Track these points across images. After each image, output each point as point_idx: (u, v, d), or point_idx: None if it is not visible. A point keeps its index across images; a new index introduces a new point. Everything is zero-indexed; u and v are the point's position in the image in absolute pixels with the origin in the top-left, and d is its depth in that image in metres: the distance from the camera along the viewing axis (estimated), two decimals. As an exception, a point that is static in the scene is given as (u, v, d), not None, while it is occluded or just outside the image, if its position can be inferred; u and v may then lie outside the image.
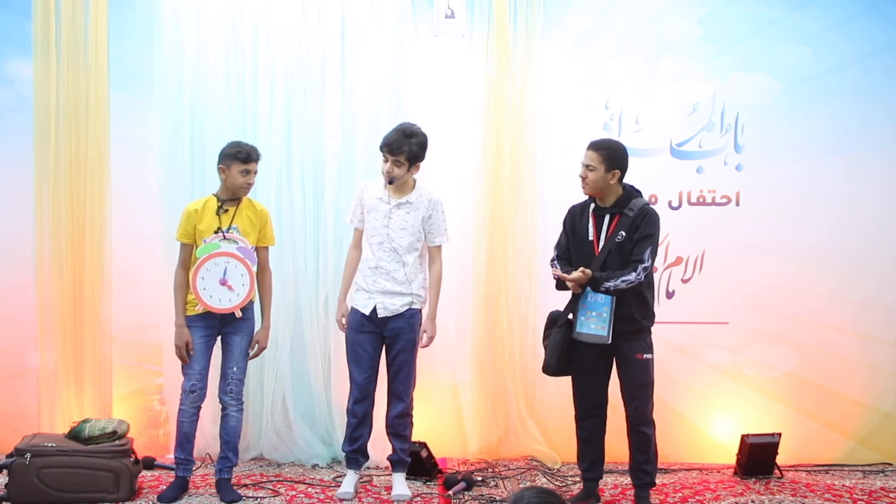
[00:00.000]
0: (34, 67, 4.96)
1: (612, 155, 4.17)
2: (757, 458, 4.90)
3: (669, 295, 5.24)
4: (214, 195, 4.37)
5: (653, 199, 5.22)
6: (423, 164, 5.03)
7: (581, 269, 4.15)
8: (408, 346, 4.44)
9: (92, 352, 5.01)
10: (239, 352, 4.39)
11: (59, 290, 4.97)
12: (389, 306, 4.40)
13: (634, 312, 4.16)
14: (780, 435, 4.94)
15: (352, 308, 4.47)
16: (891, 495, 4.62)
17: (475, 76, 5.19)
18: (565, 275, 4.19)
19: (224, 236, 4.29)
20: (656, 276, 5.19)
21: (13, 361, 5.10)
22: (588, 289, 4.18)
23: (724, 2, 5.21)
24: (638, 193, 4.27)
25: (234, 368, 4.37)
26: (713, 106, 5.23)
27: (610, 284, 4.11)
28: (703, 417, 5.21)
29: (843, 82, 5.18)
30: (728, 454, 5.07)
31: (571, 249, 4.34)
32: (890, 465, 5.16)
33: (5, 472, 4.35)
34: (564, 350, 4.25)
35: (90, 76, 5.00)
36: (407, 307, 4.42)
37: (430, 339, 4.48)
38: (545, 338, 4.35)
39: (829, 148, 5.20)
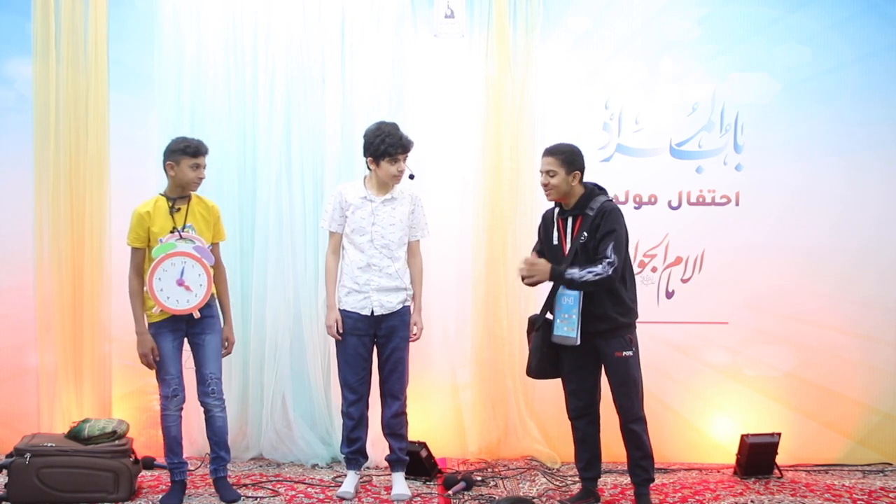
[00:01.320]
0: (34, 67, 4.96)
1: (569, 157, 4.18)
2: (757, 457, 4.90)
3: (669, 295, 5.24)
4: (162, 195, 4.29)
5: (652, 199, 5.23)
6: (422, 164, 5.05)
7: (537, 265, 4.19)
8: (402, 345, 4.46)
9: (91, 351, 5.01)
10: (212, 351, 4.34)
11: (58, 290, 4.97)
12: (386, 304, 4.41)
13: (609, 311, 4.15)
14: (779, 435, 4.94)
15: (342, 311, 4.46)
16: (890, 495, 4.62)
17: (475, 76, 5.19)
18: (523, 270, 4.20)
19: (181, 236, 4.22)
20: (655, 276, 5.21)
21: (13, 361, 5.10)
22: (560, 291, 4.19)
23: (724, 2, 5.21)
24: (601, 191, 4.26)
25: (211, 369, 4.33)
26: (713, 106, 5.23)
27: (575, 273, 4.07)
28: (702, 417, 5.21)
29: (843, 82, 5.18)
30: (728, 454, 5.07)
31: (546, 255, 4.35)
32: (890, 464, 5.16)
33: (5, 471, 4.35)
34: (545, 352, 4.26)
35: (90, 76, 5.00)
36: (402, 304, 4.44)
37: (420, 330, 4.51)
38: (529, 342, 4.37)
39: (829, 148, 5.19)
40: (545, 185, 4.22)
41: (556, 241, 4.26)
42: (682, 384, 5.20)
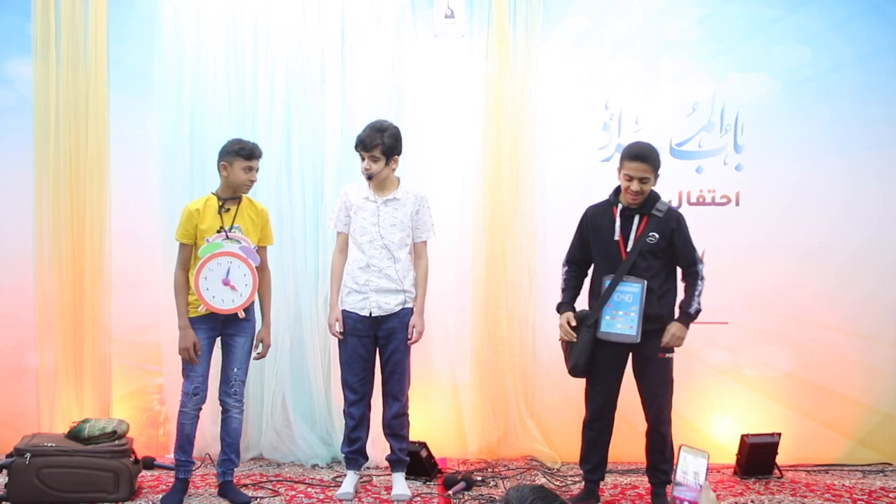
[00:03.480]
0: (34, 67, 4.96)
1: (657, 162, 4.17)
2: (757, 457, 4.90)
3: (670, 295, 5.24)
4: (214, 194, 4.33)
5: None
6: (422, 164, 5.04)
7: (672, 334, 4.16)
8: (402, 346, 4.44)
9: (91, 352, 5.01)
10: (241, 353, 4.36)
11: (58, 290, 4.97)
12: (384, 305, 4.40)
13: (661, 311, 4.16)
14: (779, 435, 4.94)
15: (343, 311, 4.46)
16: (890, 495, 4.62)
17: (475, 76, 5.19)
18: (667, 347, 4.19)
19: (227, 236, 4.25)
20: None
21: (13, 361, 5.09)
22: (617, 288, 4.16)
23: (724, 2, 5.21)
24: (657, 194, 4.26)
25: (237, 370, 4.34)
26: (713, 106, 5.23)
27: (693, 308, 4.17)
28: (703, 417, 5.21)
29: (843, 82, 5.18)
30: (728, 454, 5.07)
31: (593, 251, 4.31)
32: (889, 464, 5.16)
33: (5, 471, 4.35)
34: (591, 350, 4.23)
35: (90, 76, 4.99)
36: (401, 306, 4.42)
37: (420, 333, 4.48)
38: (574, 333, 4.26)
39: (829, 148, 5.20)
40: (636, 193, 4.14)
41: (616, 237, 4.21)
42: (682, 384, 5.15)
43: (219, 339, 4.38)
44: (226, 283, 4.22)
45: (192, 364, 4.25)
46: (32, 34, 4.95)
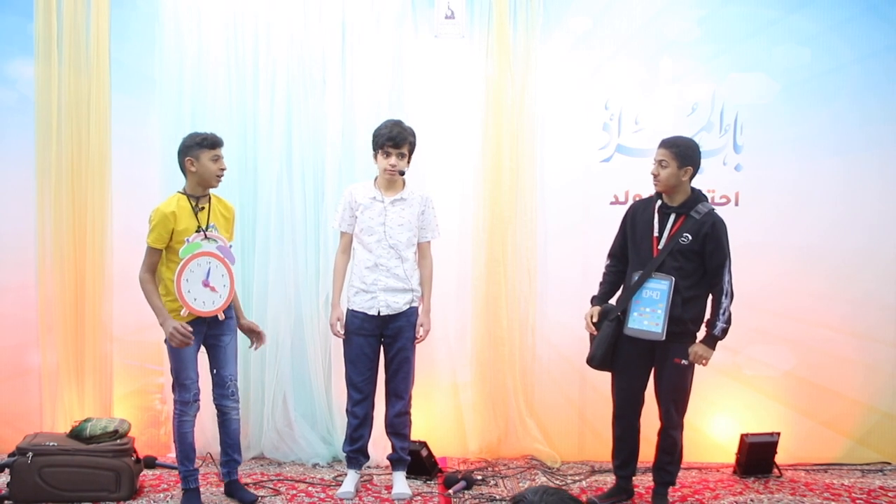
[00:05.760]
0: (36, 68, 4.97)
1: (683, 152, 4.15)
2: (756, 457, 4.92)
3: (670, 295, 5.24)
4: (182, 193, 4.16)
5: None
6: (422, 164, 5.06)
7: (696, 353, 4.15)
8: (408, 345, 4.46)
9: (93, 351, 5.03)
10: (231, 352, 4.31)
11: (60, 290, 4.98)
12: (393, 304, 4.42)
13: (683, 314, 4.13)
14: (778, 434, 4.96)
15: (350, 311, 4.48)
16: (889, 494, 4.64)
17: (475, 76, 5.20)
18: (693, 361, 4.18)
19: (206, 235, 4.14)
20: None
21: (15, 361, 5.11)
22: (644, 285, 4.16)
23: (723, 2, 5.22)
24: (704, 198, 4.25)
25: (231, 370, 4.30)
26: (712, 106, 5.24)
27: (718, 329, 4.12)
28: (702, 417, 5.21)
29: (842, 83, 5.19)
30: (727, 453, 5.09)
31: (629, 247, 4.31)
32: (888, 463, 5.18)
33: (7, 471, 4.37)
34: (612, 344, 4.24)
35: (91, 77, 5.01)
36: (408, 305, 4.45)
37: (427, 332, 4.51)
38: (595, 329, 4.28)
39: (828, 148, 5.21)
40: (655, 175, 4.18)
41: (655, 233, 4.20)
42: (682, 384, 5.20)
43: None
44: (206, 284, 4.11)
45: (188, 345, 4.05)
46: (34, 35, 4.96)
